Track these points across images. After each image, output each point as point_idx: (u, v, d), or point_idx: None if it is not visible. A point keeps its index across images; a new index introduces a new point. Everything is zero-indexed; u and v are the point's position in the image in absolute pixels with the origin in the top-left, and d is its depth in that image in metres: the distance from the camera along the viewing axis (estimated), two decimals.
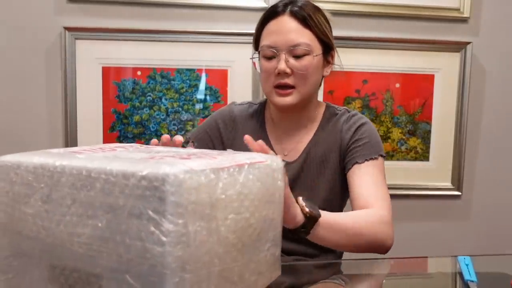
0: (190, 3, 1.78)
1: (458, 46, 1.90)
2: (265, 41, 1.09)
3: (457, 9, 1.88)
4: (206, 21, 1.79)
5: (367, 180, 1.05)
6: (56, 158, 0.61)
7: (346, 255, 1.21)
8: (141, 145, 0.81)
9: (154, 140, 0.87)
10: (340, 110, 1.17)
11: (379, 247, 0.97)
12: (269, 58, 1.08)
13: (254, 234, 0.64)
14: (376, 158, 1.08)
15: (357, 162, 1.08)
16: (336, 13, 1.81)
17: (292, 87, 1.07)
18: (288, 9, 1.07)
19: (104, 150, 0.69)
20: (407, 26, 1.88)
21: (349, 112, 1.17)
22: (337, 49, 1.15)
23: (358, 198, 1.03)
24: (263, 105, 1.21)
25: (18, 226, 0.62)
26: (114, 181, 0.54)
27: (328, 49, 1.12)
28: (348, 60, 1.84)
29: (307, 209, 0.83)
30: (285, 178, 0.71)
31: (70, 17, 1.72)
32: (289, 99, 1.07)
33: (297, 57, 1.06)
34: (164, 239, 0.51)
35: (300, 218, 0.82)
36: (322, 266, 1.10)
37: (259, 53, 1.12)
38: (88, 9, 1.73)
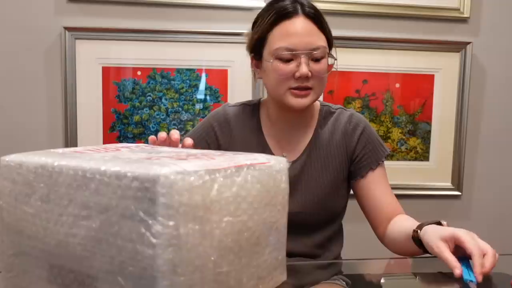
0: (190, 3, 1.77)
1: (458, 46, 1.90)
2: (281, 42, 1.03)
3: (457, 9, 1.88)
4: (206, 21, 1.79)
5: (385, 186, 1.14)
6: (56, 158, 0.61)
7: (346, 255, 1.21)
8: (147, 145, 0.79)
9: (152, 137, 0.87)
10: (336, 109, 1.17)
11: None
12: (287, 60, 1.03)
13: (253, 238, 0.62)
14: (383, 162, 1.15)
15: (371, 169, 1.12)
16: (336, 13, 1.81)
17: (309, 88, 1.05)
18: (300, 10, 1.04)
19: (107, 150, 0.69)
20: (407, 26, 1.88)
21: (346, 110, 1.17)
22: (337, 49, 1.15)
23: (386, 207, 1.12)
24: (258, 105, 1.19)
25: (19, 225, 0.62)
26: (107, 182, 0.54)
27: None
28: (348, 60, 1.85)
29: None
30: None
31: (70, 17, 1.72)
32: (305, 101, 1.05)
33: (316, 60, 1.04)
34: (154, 241, 0.50)
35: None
36: (323, 267, 1.10)
37: (254, 55, 1.11)
38: (88, 9, 1.73)
